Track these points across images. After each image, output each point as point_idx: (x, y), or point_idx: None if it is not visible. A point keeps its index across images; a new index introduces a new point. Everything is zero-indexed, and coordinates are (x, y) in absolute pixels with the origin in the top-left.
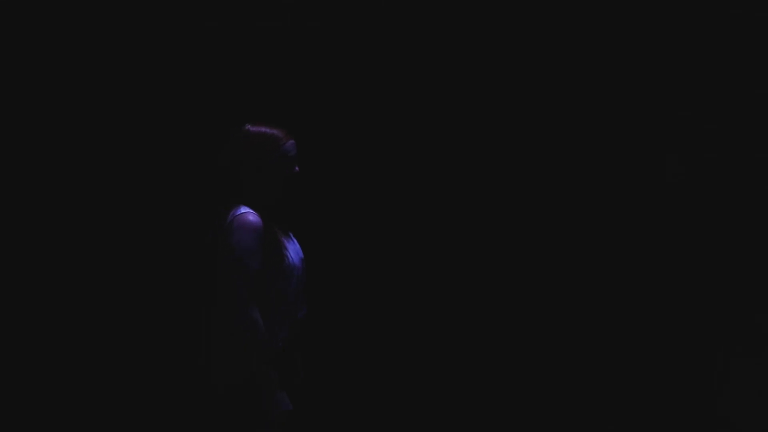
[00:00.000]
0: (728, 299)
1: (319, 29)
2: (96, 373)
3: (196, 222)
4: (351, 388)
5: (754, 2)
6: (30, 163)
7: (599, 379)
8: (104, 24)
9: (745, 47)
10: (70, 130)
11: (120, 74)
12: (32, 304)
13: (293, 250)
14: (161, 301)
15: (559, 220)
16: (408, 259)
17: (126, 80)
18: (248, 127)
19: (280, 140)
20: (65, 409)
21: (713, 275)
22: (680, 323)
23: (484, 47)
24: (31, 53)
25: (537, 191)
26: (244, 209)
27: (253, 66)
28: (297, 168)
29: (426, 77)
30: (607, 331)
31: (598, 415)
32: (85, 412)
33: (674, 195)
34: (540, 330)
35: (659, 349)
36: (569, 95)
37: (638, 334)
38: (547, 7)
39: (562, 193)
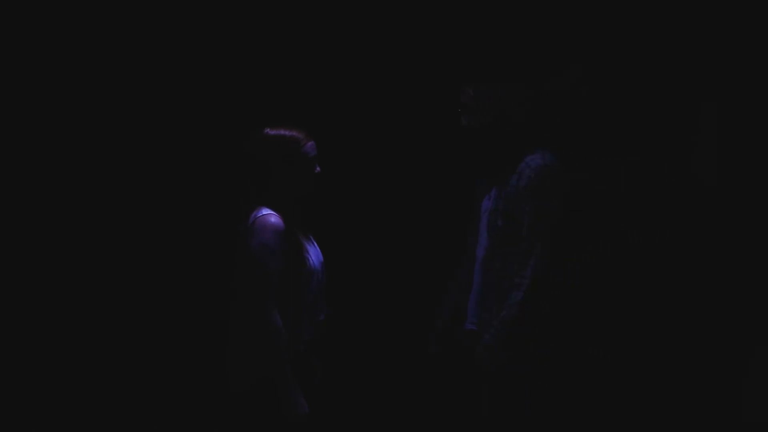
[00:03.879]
0: (744, 301)
1: (338, 28)
2: (114, 374)
3: (217, 223)
4: (369, 392)
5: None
6: (52, 166)
7: (621, 381)
8: (125, 28)
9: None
10: (89, 133)
11: (135, 76)
12: (47, 306)
13: (314, 252)
14: (178, 301)
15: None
16: (429, 261)
17: (141, 82)
18: (268, 128)
19: (300, 141)
20: (80, 410)
21: (734, 276)
22: (701, 325)
23: (496, 46)
24: (52, 56)
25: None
26: (265, 211)
27: (274, 67)
28: (318, 168)
29: (445, 79)
30: (622, 333)
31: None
32: (101, 413)
33: (699, 194)
34: (555, 332)
35: (679, 350)
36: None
37: (657, 336)
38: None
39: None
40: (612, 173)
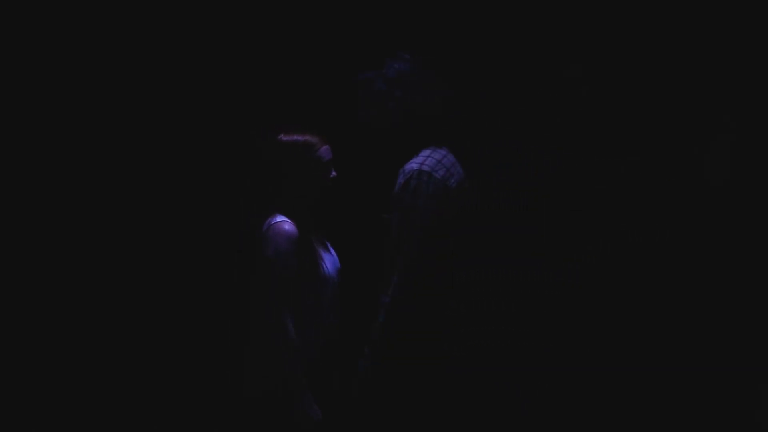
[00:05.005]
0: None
1: (345, 29)
2: (126, 378)
3: (232, 229)
4: (384, 399)
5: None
6: (62, 171)
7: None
8: (131, 29)
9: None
10: (96, 136)
11: (139, 79)
12: (67, 312)
13: (329, 260)
14: (196, 307)
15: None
16: None
17: (147, 85)
18: (282, 134)
19: (314, 146)
20: (93, 413)
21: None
22: (701, 326)
23: (497, 47)
24: (54, 58)
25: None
26: (279, 218)
27: (290, 70)
28: (334, 173)
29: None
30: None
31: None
32: (112, 417)
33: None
34: (572, 339)
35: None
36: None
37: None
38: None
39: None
40: (612, 173)
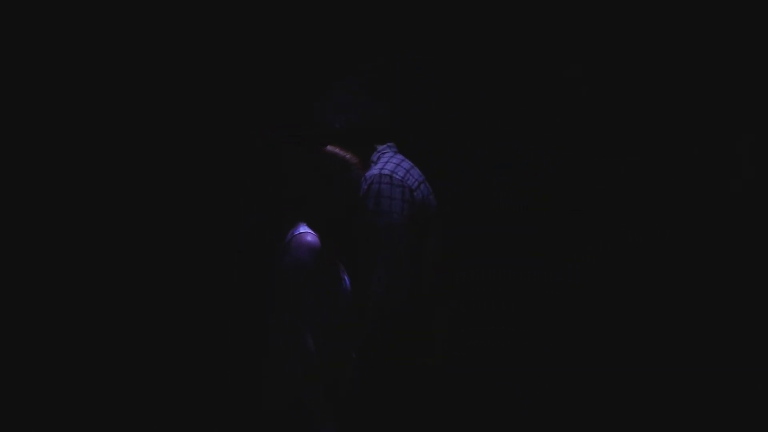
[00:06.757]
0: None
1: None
2: (145, 389)
3: (232, 229)
4: (383, 400)
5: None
6: (59, 170)
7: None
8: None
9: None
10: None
11: (143, 80)
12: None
13: (348, 276)
14: (196, 307)
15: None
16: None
17: (152, 86)
18: (328, 146)
19: (351, 166)
20: (109, 418)
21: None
22: (700, 326)
23: (497, 47)
24: (51, 59)
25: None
26: (303, 228)
27: (291, 71)
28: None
29: (451, 85)
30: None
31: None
32: (112, 426)
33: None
34: (571, 339)
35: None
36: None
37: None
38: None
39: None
40: (612, 173)
